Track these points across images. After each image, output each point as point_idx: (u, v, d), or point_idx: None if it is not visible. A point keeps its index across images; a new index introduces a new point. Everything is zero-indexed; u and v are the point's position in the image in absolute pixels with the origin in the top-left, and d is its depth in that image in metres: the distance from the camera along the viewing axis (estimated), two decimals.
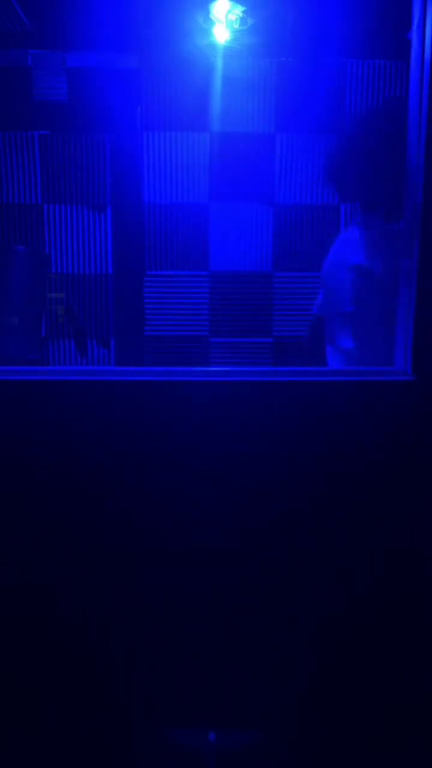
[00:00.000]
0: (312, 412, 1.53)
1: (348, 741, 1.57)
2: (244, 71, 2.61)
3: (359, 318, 1.80)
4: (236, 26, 2.51)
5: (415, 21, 1.46)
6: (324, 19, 2.54)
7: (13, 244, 2.70)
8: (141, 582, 1.58)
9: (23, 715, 1.58)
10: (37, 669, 1.62)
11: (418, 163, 1.44)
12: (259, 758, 1.55)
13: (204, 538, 1.56)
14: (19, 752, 1.48)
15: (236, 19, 2.49)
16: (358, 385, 1.52)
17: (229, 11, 2.49)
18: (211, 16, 2.51)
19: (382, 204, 1.75)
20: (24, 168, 2.66)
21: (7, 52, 2.59)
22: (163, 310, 2.71)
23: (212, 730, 1.59)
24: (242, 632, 1.63)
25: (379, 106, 2.54)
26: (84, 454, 1.53)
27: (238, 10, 2.48)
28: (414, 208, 1.46)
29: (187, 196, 2.70)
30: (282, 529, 1.57)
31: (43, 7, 2.53)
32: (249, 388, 1.53)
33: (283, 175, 2.69)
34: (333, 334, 1.90)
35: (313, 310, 2.08)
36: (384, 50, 2.53)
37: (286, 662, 1.63)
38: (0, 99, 2.62)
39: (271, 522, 1.56)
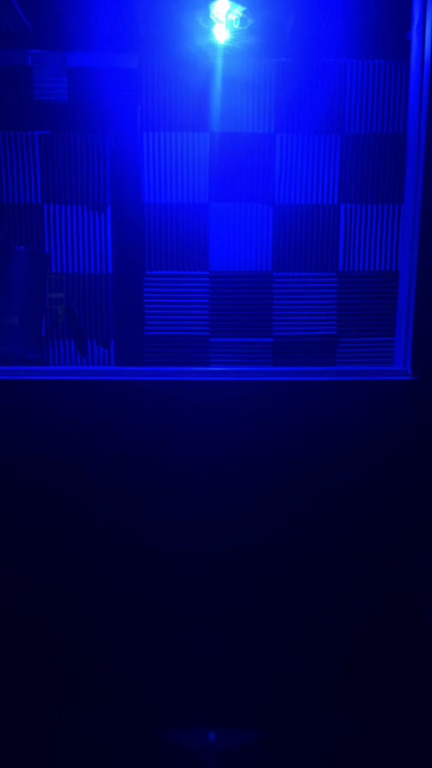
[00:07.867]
0: (312, 412, 1.53)
1: (348, 741, 1.57)
2: (244, 71, 2.61)
3: None
4: (236, 26, 2.51)
5: (415, 21, 1.46)
6: (324, 19, 2.54)
7: (13, 244, 2.70)
8: (140, 581, 1.58)
9: (23, 716, 1.58)
10: (36, 670, 1.62)
11: (418, 164, 1.44)
12: (259, 758, 1.55)
13: (203, 537, 1.56)
14: (20, 753, 1.48)
15: (236, 19, 2.49)
16: (358, 384, 1.52)
17: (229, 11, 2.49)
18: (211, 16, 2.51)
19: None
20: (24, 168, 2.66)
21: (7, 52, 2.59)
22: (163, 310, 2.71)
23: (212, 730, 1.59)
24: (242, 632, 1.62)
25: None
26: (84, 454, 1.53)
27: (238, 10, 2.48)
28: (414, 209, 1.46)
29: (187, 196, 2.70)
30: (281, 527, 1.57)
31: (43, 7, 2.53)
32: (249, 388, 1.53)
33: (283, 175, 2.69)
34: None
35: None
36: (384, 50, 2.54)
37: (288, 663, 1.63)
38: (0, 99, 2.62)
39: (270, 521, 1.56)
